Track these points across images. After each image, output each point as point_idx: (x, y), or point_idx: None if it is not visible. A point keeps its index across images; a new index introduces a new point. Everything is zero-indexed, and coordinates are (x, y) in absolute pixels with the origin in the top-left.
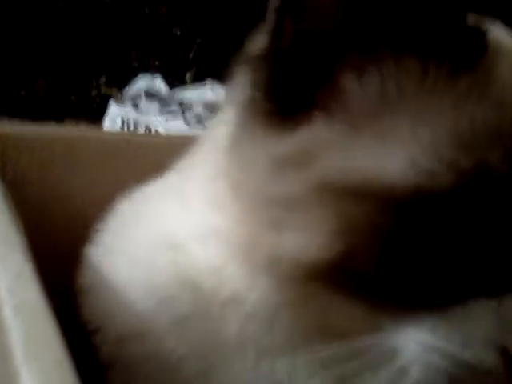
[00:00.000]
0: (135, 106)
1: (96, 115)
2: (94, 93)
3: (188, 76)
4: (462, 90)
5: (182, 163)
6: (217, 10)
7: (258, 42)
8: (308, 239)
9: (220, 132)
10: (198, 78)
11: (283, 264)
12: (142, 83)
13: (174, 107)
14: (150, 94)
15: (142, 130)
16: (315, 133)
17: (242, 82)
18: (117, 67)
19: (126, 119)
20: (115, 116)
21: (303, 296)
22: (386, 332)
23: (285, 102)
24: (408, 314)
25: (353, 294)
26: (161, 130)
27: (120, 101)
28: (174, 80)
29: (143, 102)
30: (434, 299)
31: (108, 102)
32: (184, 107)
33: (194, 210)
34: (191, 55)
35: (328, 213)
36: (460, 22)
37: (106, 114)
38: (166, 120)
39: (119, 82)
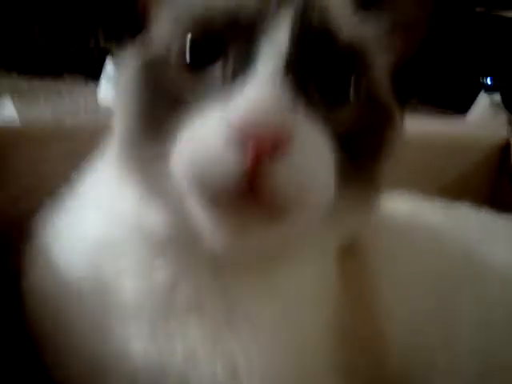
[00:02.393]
0: None
1: (94, 70)
2: (92, 45)
3: None
4: None
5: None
6: None
7: None
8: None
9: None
10: None
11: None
12: None
13: None
14: None
15: None
16: None
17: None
18: (116, 20)
19: None
20: (112, 73)
21: None
22: None
23: None
24: None
25: None
26: None
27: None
28: None
29: None
30: None
31: (106, 55)
32: None
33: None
34: None
35: None
36: None
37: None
38: None
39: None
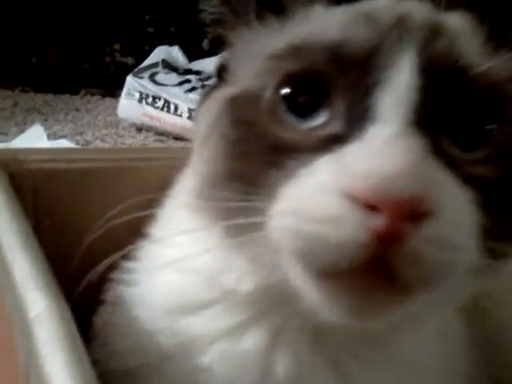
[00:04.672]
0: (152, 78)
1: (111, 84)
2: (108, 60)
3: (205, 43)
4: None
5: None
6: None
7: None
8: None
9: None
10: (216, 45)
11: None
12: (159, 54)
13: (192, 77)
14: (168, 65)
15: (160, 104)
16: None
17: None
18: (131, 34)
19: (144, 93)
20: (132, 90)
21: None
22: None
23: None
24: None
25: None
26: (180, 103)
27: (136, 71)
28: (190, 48)
29: (161, 74)
30: None
31: (123, 70)
32: (202, 77)
33: None
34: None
35: None
36: None
37: (121, 84)
38: (185, 92)
39: (134, 50)
